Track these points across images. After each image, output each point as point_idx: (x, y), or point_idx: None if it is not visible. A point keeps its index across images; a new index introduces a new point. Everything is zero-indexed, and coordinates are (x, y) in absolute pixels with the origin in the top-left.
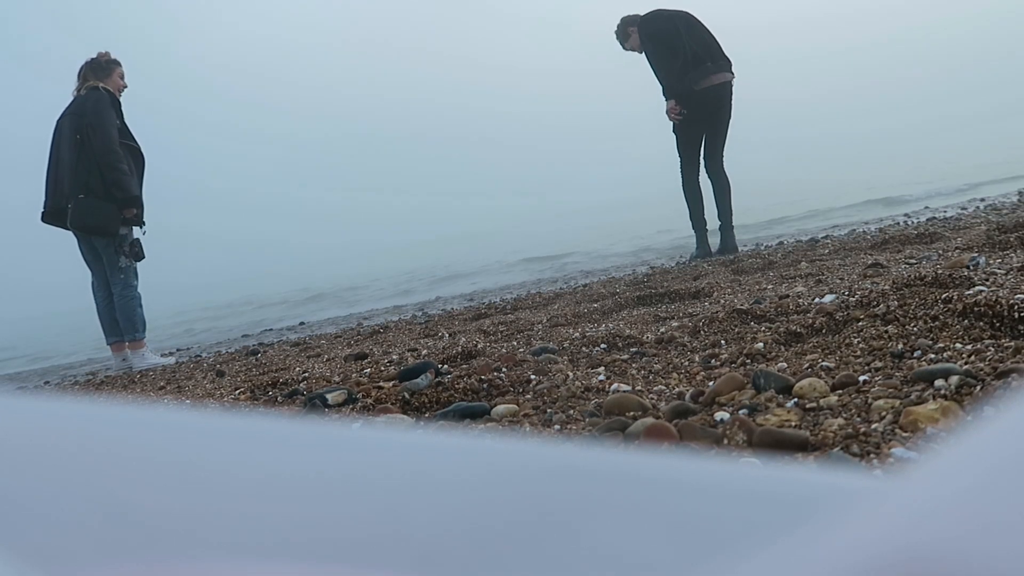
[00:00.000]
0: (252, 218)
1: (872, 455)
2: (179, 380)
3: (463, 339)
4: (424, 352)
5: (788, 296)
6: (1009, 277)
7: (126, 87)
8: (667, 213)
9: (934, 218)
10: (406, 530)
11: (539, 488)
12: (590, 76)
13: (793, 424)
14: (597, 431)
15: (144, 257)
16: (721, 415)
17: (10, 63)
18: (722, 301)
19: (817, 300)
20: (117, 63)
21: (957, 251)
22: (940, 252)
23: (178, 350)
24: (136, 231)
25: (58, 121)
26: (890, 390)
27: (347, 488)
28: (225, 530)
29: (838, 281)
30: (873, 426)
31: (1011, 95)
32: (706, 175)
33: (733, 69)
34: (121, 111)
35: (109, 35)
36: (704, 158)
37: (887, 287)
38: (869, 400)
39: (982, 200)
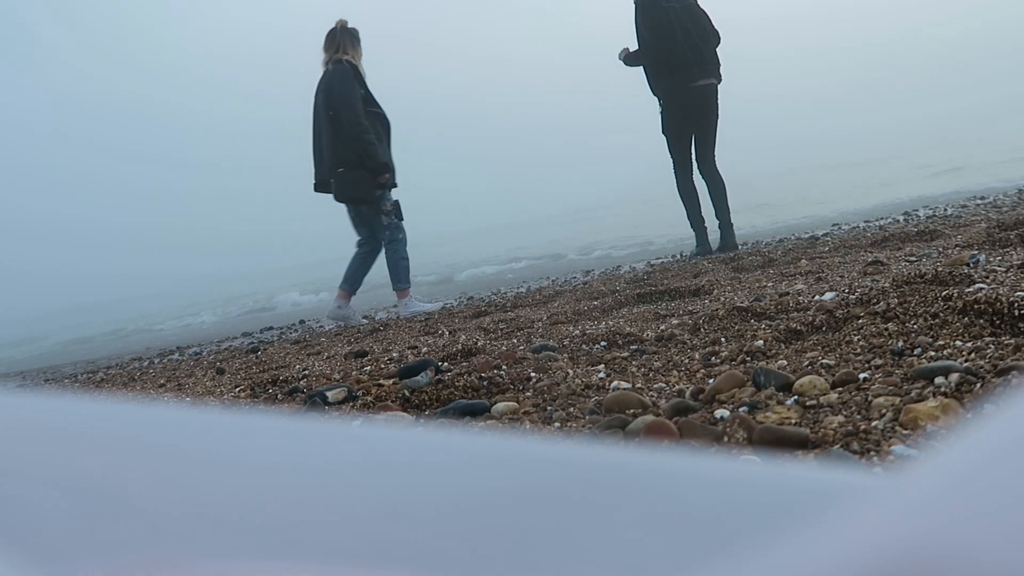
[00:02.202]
0: (255, 214)
1: (872, 453)
2: (179, 377)
3: (463, 336)
4: (424, 350)
5: (788, 294)
6: (1009, 274)
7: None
8: (667, 209)
9: (934, 216)
10: (406, 528)
11: (540, 486)
12: (590, 70)
13: (793, 422)
14: (597, 429)
15: (403, 217)
16: (721, 413)
17: (3, 52)
18: (722, 299)
19: (817, 298)
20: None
21: (957, 248)
22: (940, 250)
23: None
24: (392, 193)
25: (315, 96)
26: (890, 388)
27: (347, 486)
28: (225, 528)
29: (838, 279)
30: (873, 424)
31: (1003, 93)
32: (700, 177)
33: (720, 72)
34: (364, 80)
35: (106, 26)
36: (696, 160)
37: (887, 285)
38: (869, 398)
39: (982, 198)
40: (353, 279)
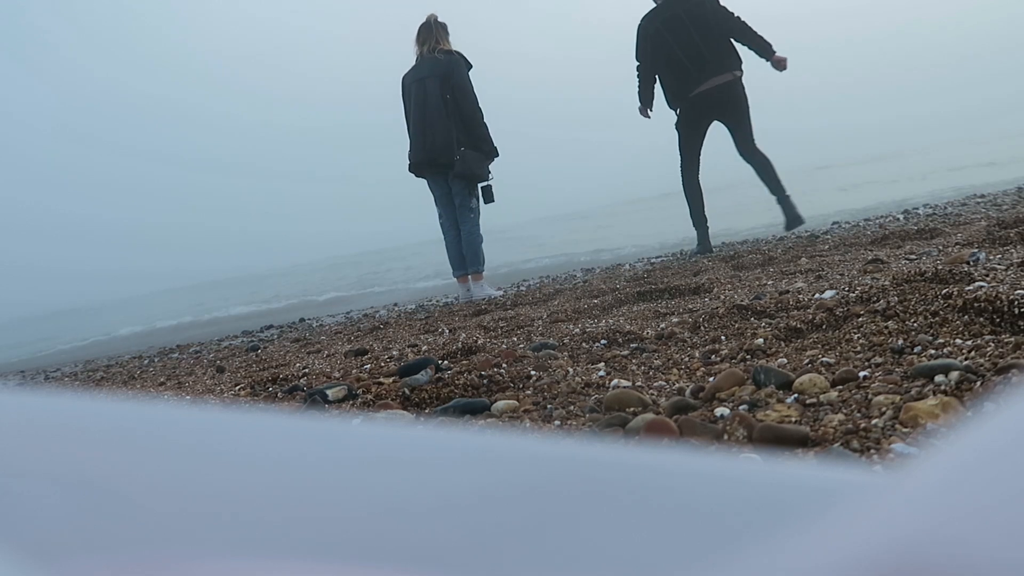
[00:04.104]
0: (258, 214)
1: (872, 451)
2: (179, 376)
3: (463, 335)
4: (424, 348)
5: (788, 292)
6: (1009, 273)
7: None
8: (668, 208)
9: (934, 214)
10: (406, 527)
11: (539, 484)
12: (592, 66)
13: (793, 420)
14: (597, 427)
15: (495, 200)
16: (721, 411)
17: (8, 49)
18: (722, 297)
19: (817, 296)
20: None
21: (957, 247)
22: (940, 248)
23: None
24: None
25: (414, 81)
26: (890, 386)
27: (347, 484)
28: (225, 526)
29: (838, 277)
30: (873, 422)
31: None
32: (745, 162)
33: (736, 62)
34: (470, 69)
35: (110, 22)
36: (736, 147)
37: (887, 283)
38: (869, 396)
39: (982, 196)
40: (474, 258)
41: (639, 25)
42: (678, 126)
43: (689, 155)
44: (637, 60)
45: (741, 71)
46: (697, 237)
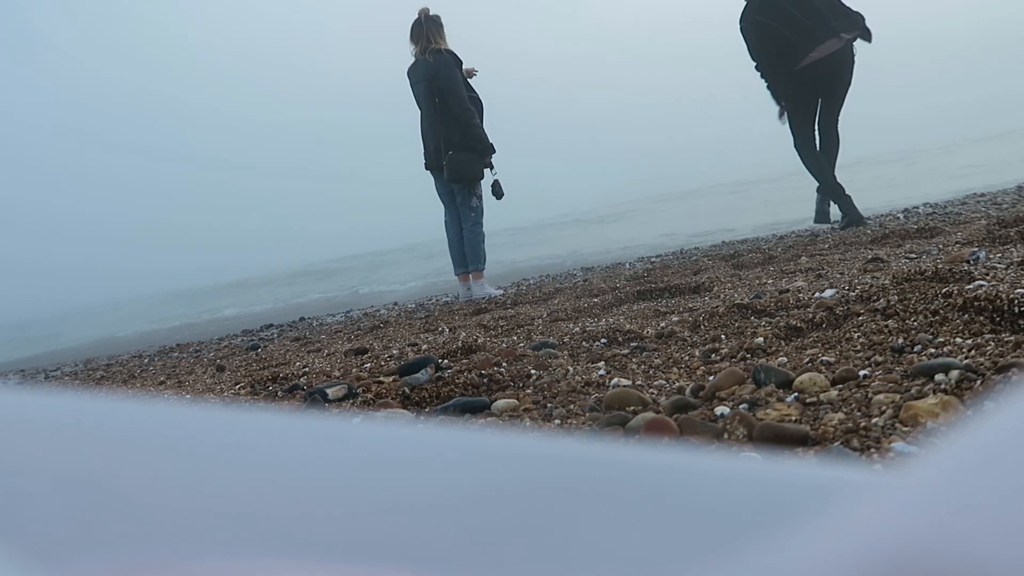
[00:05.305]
0: (259, 212)
1: (872, 449)
2: (179, 375)
3: (463, 334)
4: (424, 347)
5: (788, 291)
6: (1009, 271)
7: None
8: (669, 208)
9: (934, 213)
10: (406, 526)
11: (539, 483)
12: (595, 65)
13: (793, 419)
14: (597, 426)
15: (504, 195)
16: (721, 410)
17: (7, 46)
18: (722, 296)
19: (817, 295)
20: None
21: (957, 246)
22: (940, 247)
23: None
24: (489, 173)
25: (414, 85)
26: (890, 384)
27: (347, 483)
28: (225, 526)
29: (838, 276)
30: (873, 420)
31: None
32: (817, 133)
33: (844, 25)
34: (460, 65)
35: (109, 19)
36: (819, 117)
37: (887, 282)
38: (869, 394)
39: (982, 195)
40: (474, 256)
41: (740, 28)
42: (788, 107)
43: (802, 135)
44: (755, 60)
45: (853, 32)
46: (840, 209)
